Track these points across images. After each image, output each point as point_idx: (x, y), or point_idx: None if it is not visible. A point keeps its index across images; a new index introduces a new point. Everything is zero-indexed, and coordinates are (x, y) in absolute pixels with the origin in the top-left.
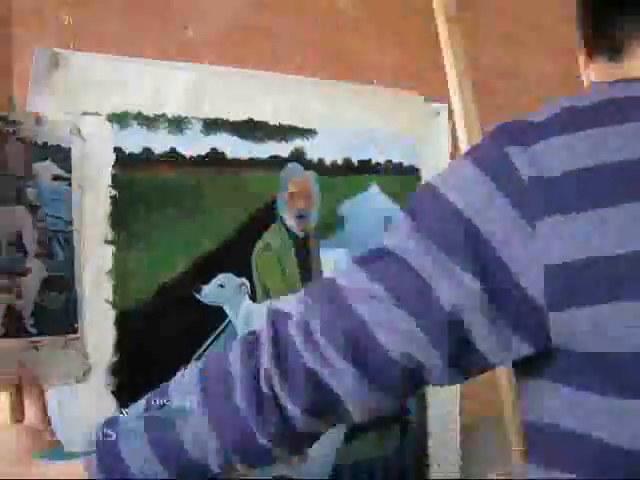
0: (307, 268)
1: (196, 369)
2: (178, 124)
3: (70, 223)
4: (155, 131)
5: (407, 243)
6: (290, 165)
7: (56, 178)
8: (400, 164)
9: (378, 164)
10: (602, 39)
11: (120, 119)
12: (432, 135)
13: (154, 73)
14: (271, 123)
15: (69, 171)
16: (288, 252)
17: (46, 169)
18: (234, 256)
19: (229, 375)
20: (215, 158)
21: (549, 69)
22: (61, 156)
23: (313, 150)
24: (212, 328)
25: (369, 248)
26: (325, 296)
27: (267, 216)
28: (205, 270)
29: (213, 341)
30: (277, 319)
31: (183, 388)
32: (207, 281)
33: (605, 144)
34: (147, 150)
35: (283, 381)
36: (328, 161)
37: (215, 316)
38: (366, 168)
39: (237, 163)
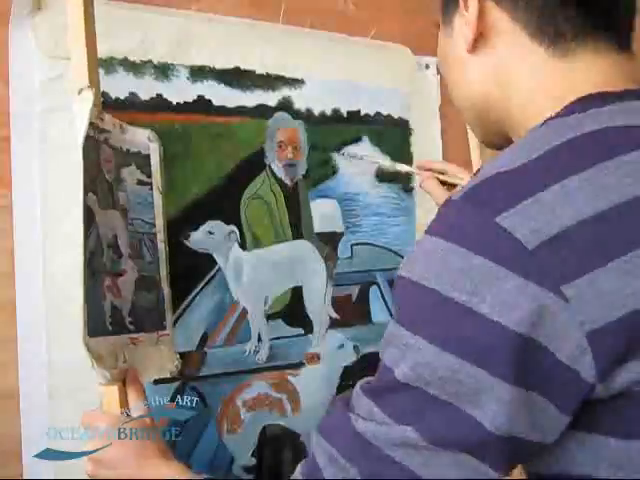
0: (297, 217)
1: None
2: (164, 70)
3: (153, 225)
4: (141, 77)
5: (420, 368)
6: (278, 114)
7: (139, 183)
8: (389, 116)
9: (367, 115)
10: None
11: (106, 64)
12: (421, 88)
13: (140, 19)
14: (258, 72)
15: (150, 176)
16: (277, 201)
17: (131, 174)
18: (222, 204)
19: None
20: (202, 105)
21: None
22: (142, 162)
23: (301, 100)
24: (201, 275)
25: (379, 371)
26: (357, 451)
27: (255, 165)
28: (193, 217)
29: (202, 288)
30: None
31: None
32: (195, 228)
33: (601, 187)
34: (133, 95)
35: None
36: (317, 111)
37: (204, 263)
38: (355, 119)
39: (224, 111)
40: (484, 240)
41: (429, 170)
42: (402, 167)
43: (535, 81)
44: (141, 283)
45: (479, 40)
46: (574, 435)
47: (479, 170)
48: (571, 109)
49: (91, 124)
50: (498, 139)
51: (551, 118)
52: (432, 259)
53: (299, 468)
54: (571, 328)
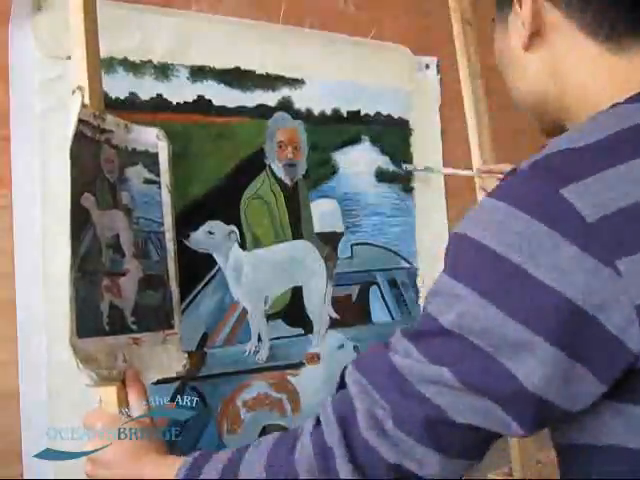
0: (297, 217)
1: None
2: (164, 70)
3: (162, 224)
4: (141, 77)
5: (467, 318)
6: (278, 114)
7: (146, 182)
8: (389, 116)
9: (367, 115)
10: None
11: (106, 64)
12: (421, 88)
13: (140, 19)
14: (258, 72)
15: (158, 175)
16: (277, 201)
17: (137, 173)
18: (222, 204)
19: None
20: (202, 105)
21: None
22: (150, 161)
23: (301, 100)
24: (201, 275)
25: (422, 319)
26: (390, 384)
27: (255, 165)
28: (193, 217)
29: (202, 288)
30: (342, 415)
31: None
32: (195, 228)
33: None
34: (133, 95)
35: None
36: (316, 111)
37: (204, 263)
38: (355, 119)
39: (224, 111)
40: (546, 209)
41: (489, 172)
42: (465, 173)
43: (590, 76)
44: (146, 282)
45: (534, 37)
46: (611, 405)
47: (544, 146)
48: (637, 98)
49: (89, 124)
50: (553, 129)
51: (618, 104)
52: (493, 220)
53: (330, 397)
54: (621, 300)
